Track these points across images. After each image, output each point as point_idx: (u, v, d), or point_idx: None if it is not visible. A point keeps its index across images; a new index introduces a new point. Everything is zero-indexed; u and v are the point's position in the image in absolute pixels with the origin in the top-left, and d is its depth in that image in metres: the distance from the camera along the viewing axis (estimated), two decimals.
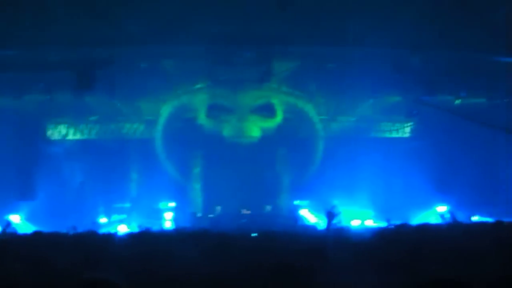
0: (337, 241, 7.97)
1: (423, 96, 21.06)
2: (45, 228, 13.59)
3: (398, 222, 13.76)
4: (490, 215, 17.71)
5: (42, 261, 5.97)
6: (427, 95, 20.97)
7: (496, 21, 17.51)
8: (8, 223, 17.46)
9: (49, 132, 23.61)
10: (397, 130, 24.18)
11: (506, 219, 12.09)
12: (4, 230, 14.25)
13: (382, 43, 18.43)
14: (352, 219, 20.74)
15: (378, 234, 9.21)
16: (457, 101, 21.48)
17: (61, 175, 23.35)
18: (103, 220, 22.47)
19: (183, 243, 7.92)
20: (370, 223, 20.87)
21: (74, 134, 23.69)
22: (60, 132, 23.61)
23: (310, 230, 15.11)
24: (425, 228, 10.86)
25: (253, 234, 10.20)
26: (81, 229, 13.61)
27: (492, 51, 18.99)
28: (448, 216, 20.61)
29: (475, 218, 19.54)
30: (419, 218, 19.63)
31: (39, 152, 22.80)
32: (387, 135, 24.17)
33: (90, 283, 2.45)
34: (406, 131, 24.25)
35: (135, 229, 17.94)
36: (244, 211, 22.17)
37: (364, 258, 5.16)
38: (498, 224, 10.70)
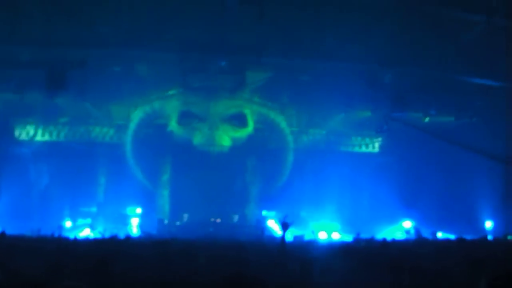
0: (292, 253, 8.03)
1: (393, 112, 21.27)
2: (9, 230, 13.41)
3: (365, 236, 13.89)
4: (452, 232, 17.96)
5: (4, 264, 5.91)
6: (398, 111, 21.20)
7: (466, 42, 17.86)
8: None
9: (16, 132, 23.26)
10: (366, 145, 24.40)
11: (467, 236, 12.31)
12: None
13: (355, 58, 18.68)
14: (319, 231, 20.85)
15: (341, 248, 9.28)
16: (426, 119, 21.77)
17: (27, 176, 23.04)
18: (68, 223, 22.20)
19: (147, 249, 7.89)
20: (336, 235, 20.99)
21: (43, 135, 23.37)
22: (28, 132, 23.28)
23: (274, 241, 15.10)
24: (391, 243, 10.98)
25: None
26: (45, 232, 13.47)
27: (462, 71, 19.37)
28: (413, 231, 20.91)
29: (439, 235, 19.78)
30: (385, 232, 19.80)
31: (5, 152, 22.44)
32: (357, 149, 24.37)
33: None
34: (375, 146, 24.48)
35: (99, 234, 17.78)
36: (213, 219, 22.16)
37: (322, 271, 5.19)
38: (461, 242, 10.89)
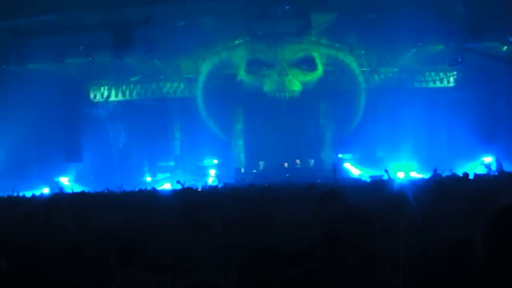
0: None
1: (467, 43, 20.37)
2: (93, 189, 13.90)
3: (444, 173, 13.53)
4: None
5: (91, 219, 6.09)
6: (472, 42, 20.25)
7: None
8: (59, 185, 17.89)
9: (91, 94, 23.92)
10: (440, 80, 23.56)
11: None
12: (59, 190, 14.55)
13: None
14: (397, 171, 20.50)
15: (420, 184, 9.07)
16: (504, 48, 20.70)
17: (106, 136, 23.76)
18: (148, 179, 22.83)
19: (228, 197, 7.97)
20: (415, 174, 20.60)
21: (116, 95, 23.92)
22: (103, 93, 23.88)
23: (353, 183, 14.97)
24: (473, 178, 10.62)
25: None
26: (127, 188, 13.85)
27: None
28: (494, 166, 20.16)
29: None
30: (465, 169, 19.27)
31: (82, 114, 23.15)
32: (431, 85, 23.59)
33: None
34: (450, 80, 23.60)
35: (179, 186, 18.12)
36: (297, 162, 22.31)
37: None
38: None
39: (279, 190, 9.11)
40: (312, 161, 22.97)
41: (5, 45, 20.07)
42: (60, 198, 8.91)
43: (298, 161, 22.56)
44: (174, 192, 10.34)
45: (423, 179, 13.07)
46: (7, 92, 19.84)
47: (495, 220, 2.39)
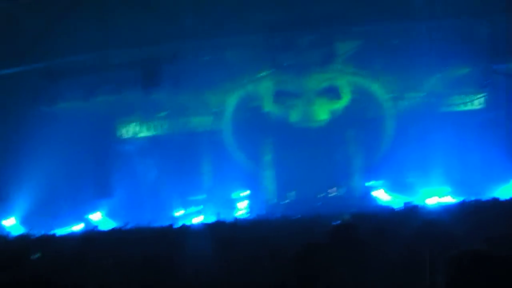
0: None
1: (493, 64, 20.24)
2: (124, 223, 14.03)
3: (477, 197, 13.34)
4: None
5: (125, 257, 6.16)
6: (498, 63, 20.12)
7: None
8: (90, 222, 18.12)
9: (120, 131, 24.26)
10: (469, 103, 23.37)
11: None
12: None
13: (445, 13, 17.91)
14: (429, 196, 20.29)
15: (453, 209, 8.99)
16: None
17: (136, 171, 24.00)
18: (179, 213, 22.92)
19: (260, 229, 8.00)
20: (448, 199, 20.33)
21: (145, 131, 24.23)
22: (131, 130, 24.21)
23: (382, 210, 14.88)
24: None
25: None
26: (158, 223, 13.96)
27: None
28: None
29: None
30: (499, 192, 18.96)
31: (112, 151, 23.49)
32: (459, 108, 23.41)
33: None
34: (478, 102, 23.40)
35: (213, 217, 18.16)
36: (332, 190, 22.25)
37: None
38: None
39: None
40: (342, 190, 22.86)
41: (36, 87, 20.56)
42: (94, 235, 9.04)
43: (334, 189, 22.48)
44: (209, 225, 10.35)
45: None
46: (38, 130, 20.24)
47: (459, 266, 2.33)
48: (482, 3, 17.78)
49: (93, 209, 21.72)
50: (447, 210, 9.97)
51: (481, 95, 23.08)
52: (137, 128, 24.19)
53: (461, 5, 17.35)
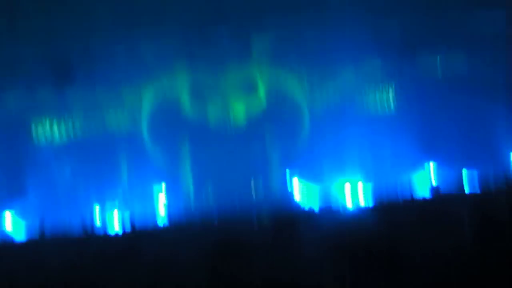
0: None
1: (404, 57, 20.90)
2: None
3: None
4: None
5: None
6: (408, 56, 20.79)
7: None
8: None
9: (33, 130, 23.44)
10: (382, 93, 23.96)
11: None
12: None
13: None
14: (342, 184, 20.96)
15: None
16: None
17: (50, 168, 23.27)
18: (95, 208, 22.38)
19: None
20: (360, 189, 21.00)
21: (59, 127, 23.49)
22: (45, 127, 23.44)
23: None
24: None
25: None
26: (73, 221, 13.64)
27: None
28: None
29: None
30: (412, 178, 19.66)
31: (25, 152, 22.67)
32: (372, 99, 23.94)
33: None
34: (390, 98, 24.04)
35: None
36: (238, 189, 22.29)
37: None
38: None
39: None
40: (260, 183, 23.01)
41: None
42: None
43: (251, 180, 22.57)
44: None
45: None
46: None
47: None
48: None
49: (2, 208, 20.95)
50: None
51: (392, 91, 23.75)
52: (51, 125, 23.44)
53: None
